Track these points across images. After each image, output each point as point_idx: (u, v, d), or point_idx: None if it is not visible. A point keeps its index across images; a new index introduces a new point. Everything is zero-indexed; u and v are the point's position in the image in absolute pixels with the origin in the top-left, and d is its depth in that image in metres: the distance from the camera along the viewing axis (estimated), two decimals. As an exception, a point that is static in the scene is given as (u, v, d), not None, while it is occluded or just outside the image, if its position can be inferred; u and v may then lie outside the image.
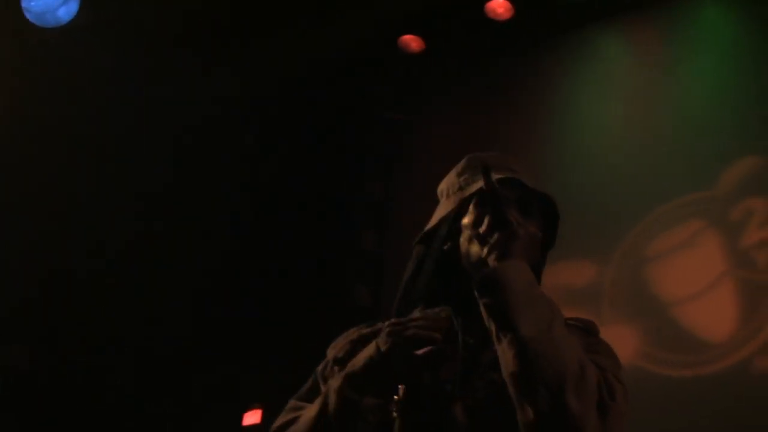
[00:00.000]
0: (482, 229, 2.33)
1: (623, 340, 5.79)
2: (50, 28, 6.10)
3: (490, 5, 6.70)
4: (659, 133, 6.23)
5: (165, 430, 6.87)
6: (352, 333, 2.59)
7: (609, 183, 6.25)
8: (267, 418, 6.83)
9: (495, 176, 2.39)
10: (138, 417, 6.79)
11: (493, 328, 2.19)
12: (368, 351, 2.35)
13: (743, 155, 5.84)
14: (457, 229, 2.48)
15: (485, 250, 2.29)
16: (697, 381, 5.48)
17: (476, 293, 2.22)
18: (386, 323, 2.39)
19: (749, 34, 6.18)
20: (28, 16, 6.03)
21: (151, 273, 6.87)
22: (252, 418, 6.89)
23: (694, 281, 5.70)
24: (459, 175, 2.64)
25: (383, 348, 2.31)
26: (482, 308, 2.21)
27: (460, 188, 2.57)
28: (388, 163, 7.24)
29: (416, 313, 2.47)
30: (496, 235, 2.29)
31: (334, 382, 2.37)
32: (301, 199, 7.14)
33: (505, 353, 2.14)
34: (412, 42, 7.00)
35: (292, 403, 2.58)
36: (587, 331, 2.47)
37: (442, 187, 2.67)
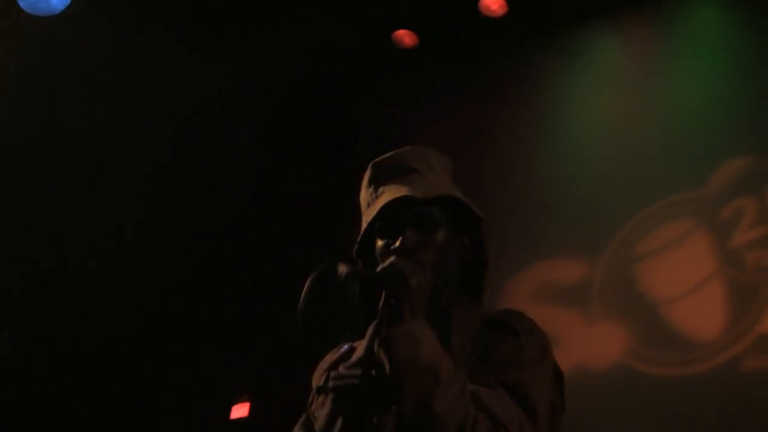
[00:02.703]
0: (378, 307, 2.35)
1: (612, 338, 5.81)
2: (43, 16, 6.08)
3: (484, 2, 6.71)
4: (651, 131, 6.24)
5: (152, 425, 6.86)
6: (327, 360, 2.69)
7: (599, 181, 6.26)
8: (255, 411, 6.82)
9: (381, 202, 2.51)
10: (125, 412, 6.77)
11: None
12: (324, 409, 2.45)
13: (734, 155, 5.85)
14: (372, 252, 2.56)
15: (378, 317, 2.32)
16: (686, 380, 5.49)
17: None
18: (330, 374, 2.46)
19: (742, 34, 6.19)
20: (21, 4, 6.02)
21: (137, 266, 6.85)
22: (240, 411, 6.88)
23: (683, 280, 5.71)
24: (367, 187, 2.68)
25: (328, 409, 2.41)
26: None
27: (368, 205, 2.62)
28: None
29: (345, 347, 2.62)
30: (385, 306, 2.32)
31: None
32: (291, 192, 7.13)
33: (394, 420, 2.24)
34: (405, 37, 7.00)
35: None
36: (515, 333, 2.49)
37: (361, 198, 2.71)
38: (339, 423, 2.34)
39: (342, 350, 2.65)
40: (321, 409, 2.51)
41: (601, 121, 6.52)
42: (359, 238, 2.62)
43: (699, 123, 6.06)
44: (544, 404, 2.39)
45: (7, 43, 6.10)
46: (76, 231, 6.57)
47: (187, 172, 6.99)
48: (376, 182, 2.64)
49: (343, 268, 2.34)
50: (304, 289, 2.34)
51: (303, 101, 7.28)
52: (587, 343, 5.88)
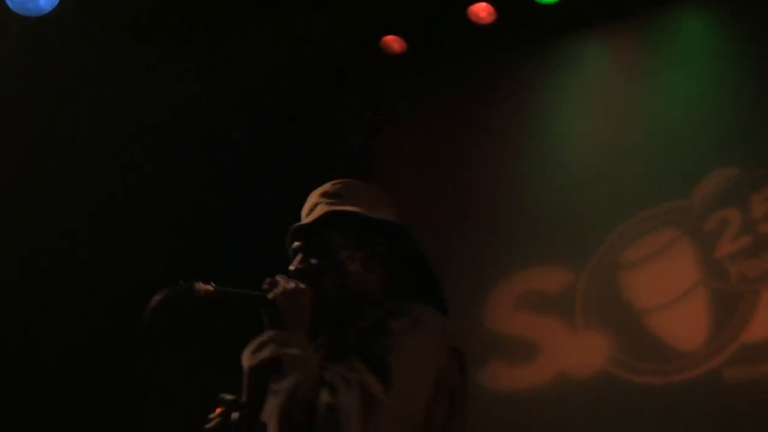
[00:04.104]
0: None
1: (596, 347, 5.82)
2: (31, 17, 6.07)
3: (473, 9, 6.71)
4: (636, 141, 6.26)
5: (129, 429, 6.82)
6: None
7: (584, 190, 6.27)
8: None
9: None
10: (101, 413, 6.75)
11: None
12: None
13: (719, 166, 5.86)
14: None
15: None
16: (668, 389, 5.50)
17: None
18: None
19: (728, 46, 6.21)
20: (9, 4, 6.00)
21: (116, 267, 6.82)
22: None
23: (667, 290, 5.73)
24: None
25: None
26: None
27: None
28: (366, 163, 7.23)
29: None
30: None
31: None
32: (274, 198, 7.11)
33: None
34: (394, 43, 7.00)
35: None
36: (390, 315, 2.56)
37: None
38: None
39: None
40: None
41: (586, 130, 6.53)
42: None
43: (684, 134, 6.08)
44: (405, 371, 2.42)
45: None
46: (56, 230, 6.55)
47: (156, 176, 6.96)
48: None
49: (205, 289, 2.53)
50: (155, 300, 2.50)
51: (290, 107, 7.27)
52: (571, 352, 5.89)
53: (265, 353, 2.44)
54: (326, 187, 2.87)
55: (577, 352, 5.86)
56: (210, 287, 2.52)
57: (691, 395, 5.41)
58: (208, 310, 2.56)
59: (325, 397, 2.34)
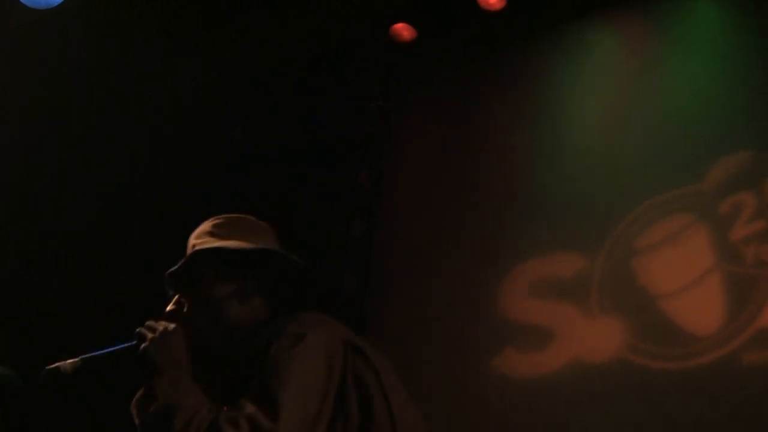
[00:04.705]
0: None
1: (611, 333, 5.80)
2: (41, 9, 6.07)
3: (482, -5, 6.70)
4: (649, 126, 6.23)
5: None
6: None
7: (597, 175, 6.25)
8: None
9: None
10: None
11: None
12: None
13: (732, 150, 5.83)
14: None
15: None
16: (684, 374, 5.48)
17: None
18: None
19: (740, 30, 6.18)
20: (19, -4, 6.01)
21: (116, 267, 6.83)
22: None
23: (682, 274, 5.70)
24: None
25: None
26: None
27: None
28: (375, 151, 7.22)
29: None
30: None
31: None
32: (283, 188, 7.11)
33: None
34: (404, 30, 6.99)
35: None
36: (269, 342, 2.56)
37: None
38: None
39: None
40: None
41: (599, 116, 6.50)
42: None
43: (697, 118, 6.05)
44: (292, 393, 2.43)
45: (3, 35, 6.10)
46: (56, 225, 6.55)
47: (165, 170, 6.96)
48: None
49: (71, 364, 2.61)
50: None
51: (298, 95, 7.26)
52: (586, 337, 5.87)
53: (152, 409, 2.46)
54: (202, 226, 2.91)
55: (592, 338, 5.84)
56: (76, 362, 2.60)
57: (708, 380, 5.39)
58: (85, 380, 2.62)
59: None
